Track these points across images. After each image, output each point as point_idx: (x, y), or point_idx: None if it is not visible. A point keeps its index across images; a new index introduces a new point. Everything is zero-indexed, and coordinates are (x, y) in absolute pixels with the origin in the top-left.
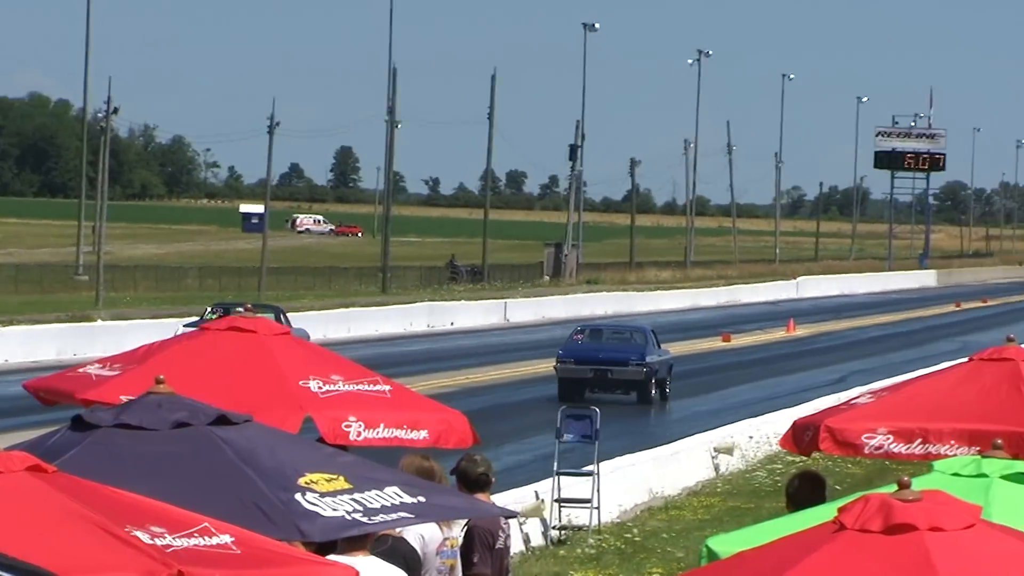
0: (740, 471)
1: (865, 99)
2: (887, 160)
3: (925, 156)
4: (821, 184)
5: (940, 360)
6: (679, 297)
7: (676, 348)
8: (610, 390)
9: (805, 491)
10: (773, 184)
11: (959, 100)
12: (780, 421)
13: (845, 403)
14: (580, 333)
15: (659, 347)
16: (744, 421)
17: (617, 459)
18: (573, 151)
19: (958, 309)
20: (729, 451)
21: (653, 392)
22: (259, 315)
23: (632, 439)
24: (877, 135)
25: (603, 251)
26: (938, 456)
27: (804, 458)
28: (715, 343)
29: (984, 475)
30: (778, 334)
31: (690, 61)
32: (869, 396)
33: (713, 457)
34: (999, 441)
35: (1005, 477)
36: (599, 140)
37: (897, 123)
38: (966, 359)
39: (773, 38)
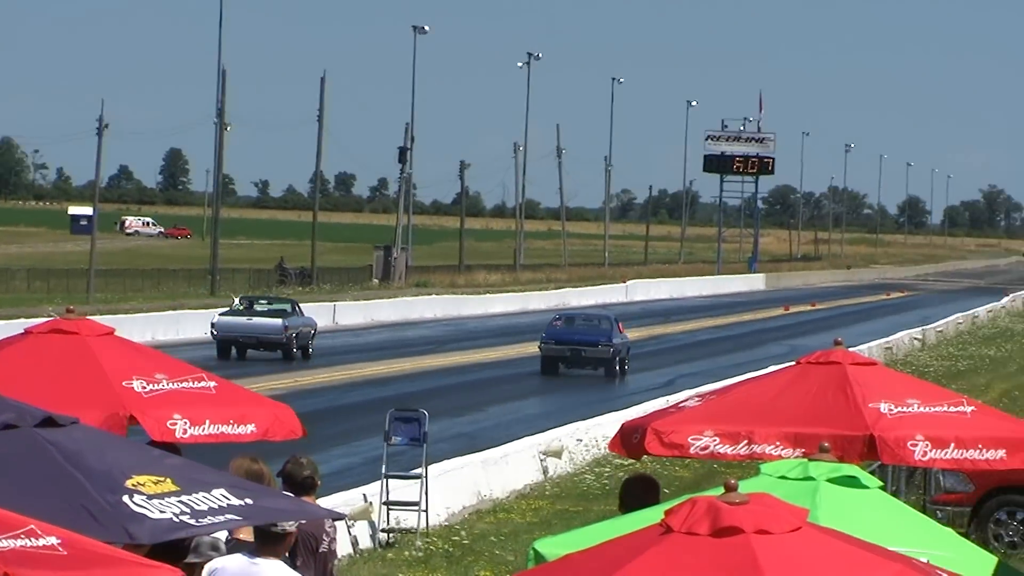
0: (568, 474)
1: (695, 103)
2: (716, 164)
3: (754, 160)
4: (651, 188)
5: (768, 364)
6: (509, 300)
7: (505, 352)
8: (582, 366)
9: (637, 494)
10: (603, 188)
11: (789, 104)
12: (608, 424)
13: (673, 406)
14: (558, 320)
15: (621, 332)
16: (572, 424)
17: (445, 462)
18: (403, 154)
19: (786, 313)
20: (557, 454)
21: (617, 368)
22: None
23: (462, 442)
24: (707, 139)
25: (433, 254)
26: (764, 458)
27: (633, 461)
28: None
29: (811, 478)
30: None
31: (520, 64)
32: (697, 399)
33: (541, 460)
34: (826, 444)
35: (831, 480)
36: (429, 143)
37: (726, 127)
38: (793, 363)
39: (603, 42)
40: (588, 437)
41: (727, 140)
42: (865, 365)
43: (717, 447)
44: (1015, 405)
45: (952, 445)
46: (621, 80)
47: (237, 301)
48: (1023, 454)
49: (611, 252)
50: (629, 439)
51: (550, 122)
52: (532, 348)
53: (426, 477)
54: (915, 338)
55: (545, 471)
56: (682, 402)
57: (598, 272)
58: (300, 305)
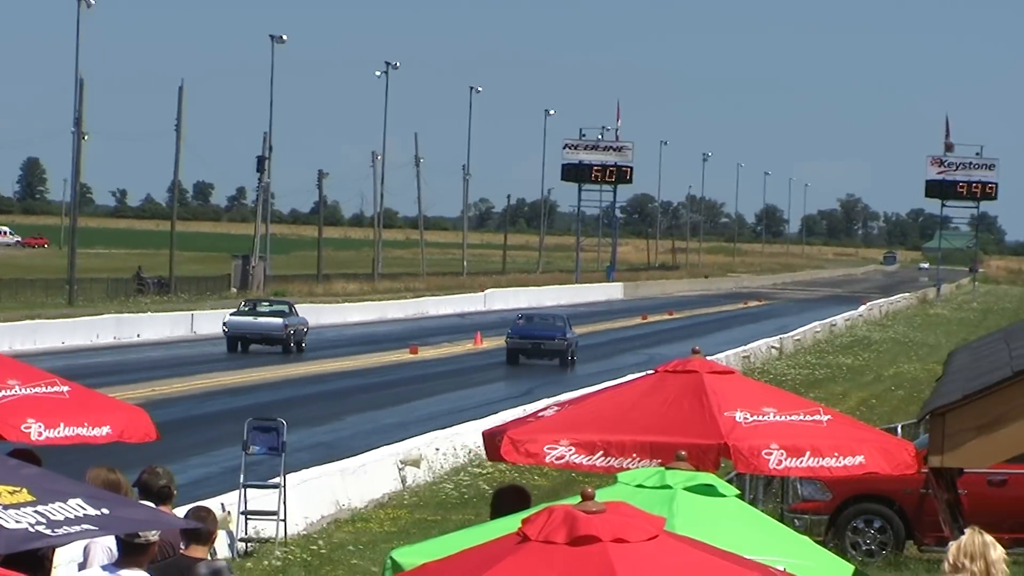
0: (427, 483)
1: (553, 112)
2: (574, 173)
3: (612, 169)
4: (509, 197)
5: (626, 372)
6: (367, 309)
7: (364, 361)
8: (541, 357)
9: (508, 504)
10: (461, 197)
11: (647, 113)
12: (467, 433)
13: (532, 415)
14: (520, 319)
15: (571, 329)
16: (431, 433)
17: (303, 471)
18: (261, 163)
19: (644, 322)
20: (416, 463)
21: (570, 358)
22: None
23: (321, 451)
24: (565, 148)
25: (291, 263)
26: (621, 468)
27: (491, 471)
28: (403, 355)
29: (668, 487)
30: (466, 347)
31: (378, 73)
32: (555, 408)
33: (400, 469)
34: (682, 453)
35: (688, 489)
36: (287, 152)
37: (584, 136)
38: (651, 371)
39: (461, 50)
40: (446, 446)
41: (585, 149)
42: (722, 374)
43: (573, 457)
44: (872, 413)
45: (808, 453)
46: (479, 89)
47: (243, 303)
48: (880, 462)
49: (469, 261)
50: (492, 444)
51: (408, 131)
52: (390, 357)
53: (284, 486)
54: (772, 347)
55: (403, 480)
56: (540, 411)
57: (457, 281)
58: (295, 306)
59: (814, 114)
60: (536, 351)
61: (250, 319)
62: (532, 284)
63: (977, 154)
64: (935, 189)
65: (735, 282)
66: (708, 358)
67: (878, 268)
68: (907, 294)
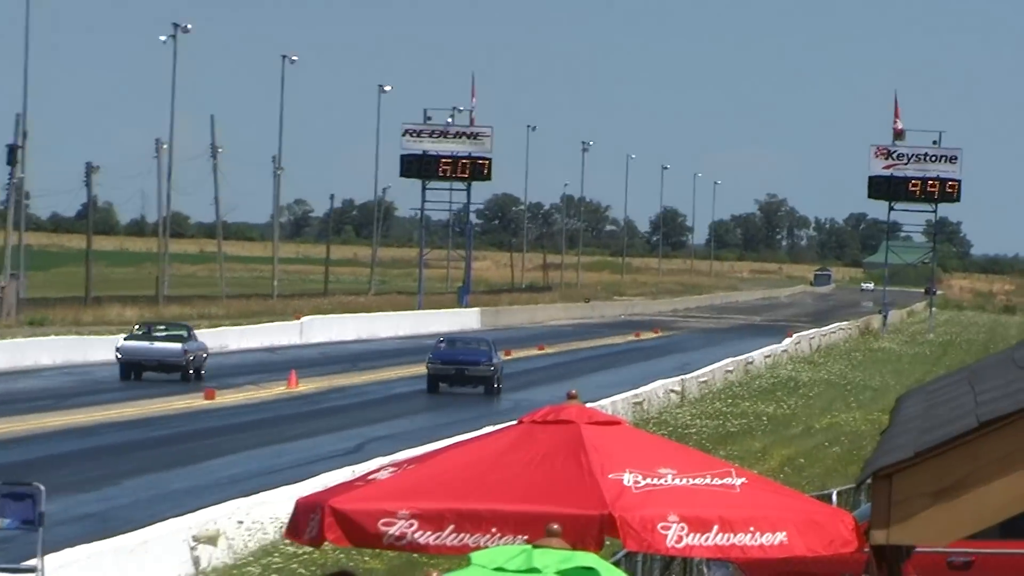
0: (227, 566)
1: (389, 88)
2: (417, 167)
3: (465, 161)
4: (332, 198)
5: (483, 423)
6: None
7: (145, 408)
8: (465, 384)
9: None
10: (271, 198)
11: (510, 91)
12: (279, 502)
13: (361, 478)
14: (442, 342)
15: (497, 353)
16: (232, 502)
17: (68, 550)
18: (12, 153)
19: (507, 359)
20: (212, 540)
21: (495, 385)
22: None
23: (90, 524)
24: (404, 134)
25: (52, 282)
26: (476, 547)
27: (310, 549)
28: (195, 400)
29: (536, 570)
30: (277, 390)
31: (163, 38)
32: (392, 469)
33: (192, 548)
34: (555, 527)
35: (562, 572)
36: (47, 139)
37: (430, 119)
38: (515, 422)
39: (270, 9)
40: (251, 519)
41: (431, 136)
42: (606, 425)
43: (416, 534)
44: (800, 476)
45: (716, 528)
46: (293, 58)
47: (136, 327)
48: (808, 538)
49: (282, 281)
50: (305, 521)
51: (203, 113)
52: (177, 404)
53: (43, 570)
54: (672, 390)
55: (197, 562)
56: (372, 473)
57: (265, 306)
58: (194, 331)
59: (726, 93)
60: (460, 377)
61: (146, 344)
62: (363, 309)
63: (935, 143)
64: (881, 188)
65: (624, 307)
66: (588, 405)
67: (808, 289)
68: (845, 323)
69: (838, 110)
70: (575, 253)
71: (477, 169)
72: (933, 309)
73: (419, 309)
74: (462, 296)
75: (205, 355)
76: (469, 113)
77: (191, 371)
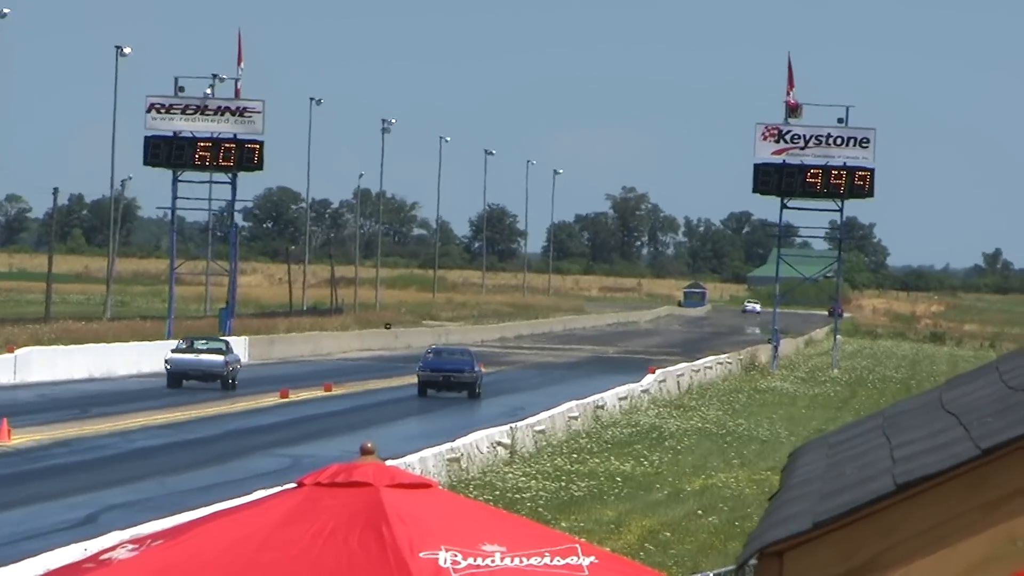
0: None
1: (128, 50)
2: (166, 152)
3: (229, 145)
4: (56, 193)
5: (253, 487)
6: None
7: None
8: (451, 390)
9: None
10: None
11: (285, 54)
12: None
13: (93, 558)
14: (430, 353)
15: (477, 363)
16: None
17: None
18: None
19: (285, 401)
20: None
21: (477, 391)
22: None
23: None
24: (150, 110)
25: None
26: None
27: None
28: None
29: None
30: None
31: None
32: (133, 547)
33: None
34: None
35: None
36: None
37: (183, 90)
38: (294, 484)
39: None
40: None
41: (184, 113)
42: (414, 488)
43: None
44: (665, 554)
45: None
46: (4, 12)
47: (180, 341)
48: None
49: None
50: None
51: None
52: None
53: None
54: (499, 443)
55: None
56: (105, 552)
57: None
58: (230, 344)
59: (567, 57)
60: (446, 384)
61: (192, 356)
62: (96, 340)
63: (840, 121)
64: (770, 180)
65: (436, 335)
66: (390, 462)
67: (676, 312)
68: (724, 355)
69: (714, 79)
70: (372, 265)
71: (245, 155)
72: (838, 337)
73: (169, 338)
74: (225, 321)
75: (239, 365)
76: (234, 83)
77: (230, 380)
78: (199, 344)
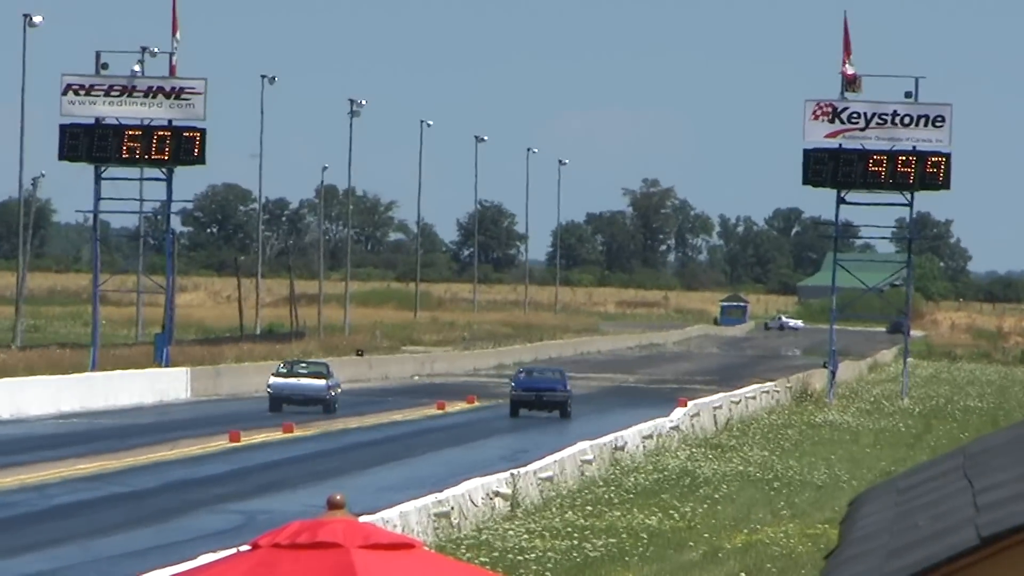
0: None
1: (40, 19)
2: (87, 144)
3: (164, 133)
4: None
5: (199, 549)
6: None
7: None
8: (543, 408)
9: None
10: None
11: (230, 22)
12: None
13: None
14: (522, 372)
15: (568, 382)
16: None
17: None
18: None
19: (236, 446)
20: None
21: (568, 410)
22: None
23: None
24: (67, 92)
25: None
26: None
27: None
28: None
29: None
30: None
31: None
32: None
33: None
34: None
35: None
36: None
37: (107, 67)
38: (247, 546)
39: None
40: None
41: (108, 95)
42: (392, 549)
43: None
44: None
45: None
46: None
47: (281, 366)
48: None
49: None
50: None
51: None
52: None
53: None
54: (497, 493)
55: None
56: None
57: None
58: (330, 367)
59: (575, 26)
60: (539, 403)
61: (293, 380)
62: (2, 373)
63: (908, 95)
64: (824, 169)
65: (419, 363)
66: (363, 518)
67: (711, 331)
68: (771, 384)
69: (754, 46)
70: (340, 278)
71: (182, 146)
72: (909, 359)
73: (93, 370)
74: (161, 349)
75: (340, 390)
76: (169, 58)
77: (332, 405)
78: (299, 368)
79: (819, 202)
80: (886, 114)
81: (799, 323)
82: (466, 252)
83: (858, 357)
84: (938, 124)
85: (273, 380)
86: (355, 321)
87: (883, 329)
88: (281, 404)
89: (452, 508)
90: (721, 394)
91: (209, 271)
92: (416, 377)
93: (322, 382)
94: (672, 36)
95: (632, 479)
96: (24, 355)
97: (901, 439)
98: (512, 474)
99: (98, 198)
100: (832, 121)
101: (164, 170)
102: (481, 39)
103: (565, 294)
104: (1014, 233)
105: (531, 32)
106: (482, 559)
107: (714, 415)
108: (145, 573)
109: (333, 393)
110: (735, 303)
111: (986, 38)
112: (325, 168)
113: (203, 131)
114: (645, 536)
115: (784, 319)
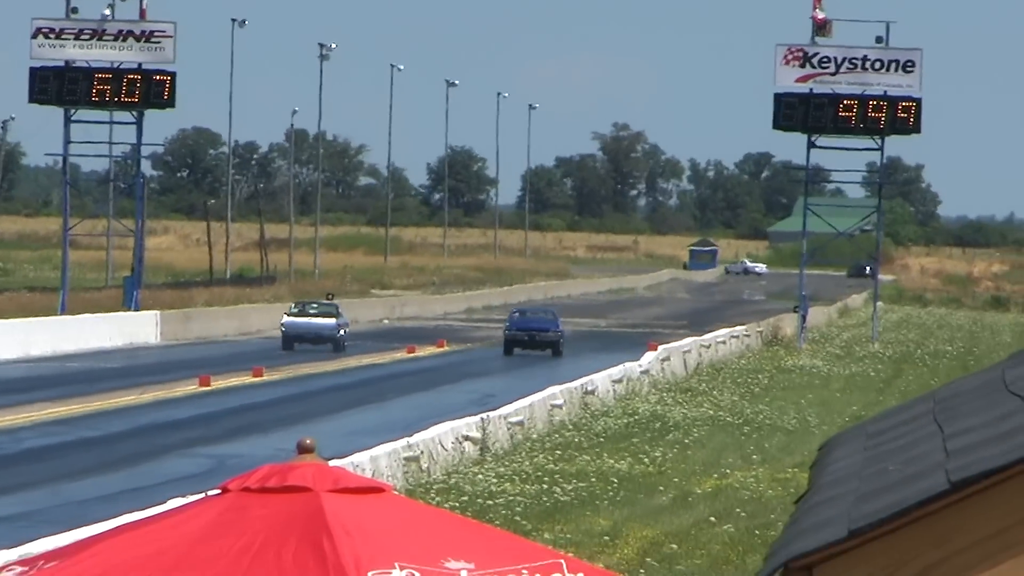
0: None
1: None
2: (56, 87)
3: (134, 76)
4: None
5: (170, 493)
6: None
7: None
8: (536, 348)
9: None
10: None
11: None
12: None
13: None
14: (516, 313)
15: (560, 322)
16: None
17: None
18: None
19: (205, 390)
20: None
21: (561, 349)
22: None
23: None
24: (36, 36)
25: None
26: None
27: None
28: None
29: None
30: None
31: None
32: (21, 569)
33: None
34: None
35: None
36: None
37: (76, 11)
38: (218, 490)
39: None
40: None
41: (78, 38)
42: (362, 494)
43: None
44: (669, 570)
45: None
46: None
47: (292, 306)
48: None
49: None
50: None
51: None
52: None
53: None
54: (467, 437)
55: None
56: None
57: None
58: (340, 307)
59: None
60: (532, 342)
61: (305, 320)
62: None
63: (879, 39)
64: (795, 113)
65: (390, 307)
66: (333, 462)
67: (680, 276)
68: (741, 328)
69: None
70: (310, 222)
71: (152, 89)
72: (879, 304)
73: (62, 314)
74: (130, 293)
75: (348, 329)
76: (139, 1)
77: (342, 343)
78: (311, 308)
79: (790, 146)
80: (857, 59)
81: (763, 267)
82: (436, 196)
83: (829, 302)
84: (908, 69)
85: (286, 319)
86: (325, 266)
87: (843, 274)
88: (293, 343)
89: (422, 452)
90: (691, 338)
91: (179, 215)
92: (386, 321)
93: (332, 321)
94: None
95: (602, 423)
96: None
97: (871, 384)
98: (482, 418)
99: (68, 141)
100: (803, 66)
101: (134, 113)
102: None
103: (535, 238)
104: (984, 178)
105: None
106: (452, 503)
107: (684, 359)
108: (115, 517)
109: (343, 332)
110: (704, 247)
111: None
112: (295, 112)
113: (173, 74)
114: (615, 480)
115: (748, 263)
